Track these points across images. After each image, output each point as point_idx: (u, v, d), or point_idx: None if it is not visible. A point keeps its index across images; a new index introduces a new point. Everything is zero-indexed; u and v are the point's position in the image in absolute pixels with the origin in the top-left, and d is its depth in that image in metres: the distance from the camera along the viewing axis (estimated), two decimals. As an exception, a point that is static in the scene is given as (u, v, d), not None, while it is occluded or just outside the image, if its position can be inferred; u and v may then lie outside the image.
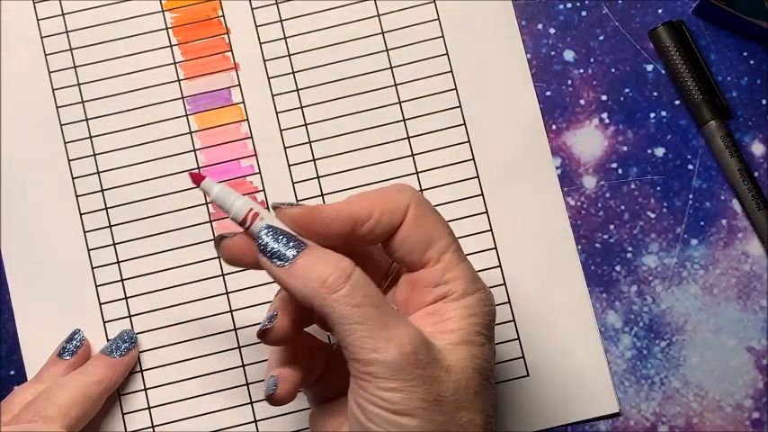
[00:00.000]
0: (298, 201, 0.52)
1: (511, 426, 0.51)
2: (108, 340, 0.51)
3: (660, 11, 0.54)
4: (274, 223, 0.40)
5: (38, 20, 0.54)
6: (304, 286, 0.38)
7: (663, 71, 0.53)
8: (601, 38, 0.54)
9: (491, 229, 0.52)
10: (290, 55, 0.54)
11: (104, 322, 0.52)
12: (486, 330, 0.41)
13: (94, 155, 0.53)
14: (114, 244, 0.52)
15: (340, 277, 0.38)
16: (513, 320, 0.52)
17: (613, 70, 0.53)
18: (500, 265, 0.52)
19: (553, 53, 0.54)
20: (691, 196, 0.53)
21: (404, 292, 0.42)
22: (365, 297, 0.38)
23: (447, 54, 0.54)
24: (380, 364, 0.37)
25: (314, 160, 0.53)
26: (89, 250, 0.52)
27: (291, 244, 0.39)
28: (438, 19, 0.54)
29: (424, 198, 0.42)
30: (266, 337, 0.41)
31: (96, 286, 0.52)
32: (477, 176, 0.53)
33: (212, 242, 0.52)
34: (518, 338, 0.51)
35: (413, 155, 0.53)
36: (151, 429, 0.51)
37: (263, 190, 0.53)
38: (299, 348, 0.43)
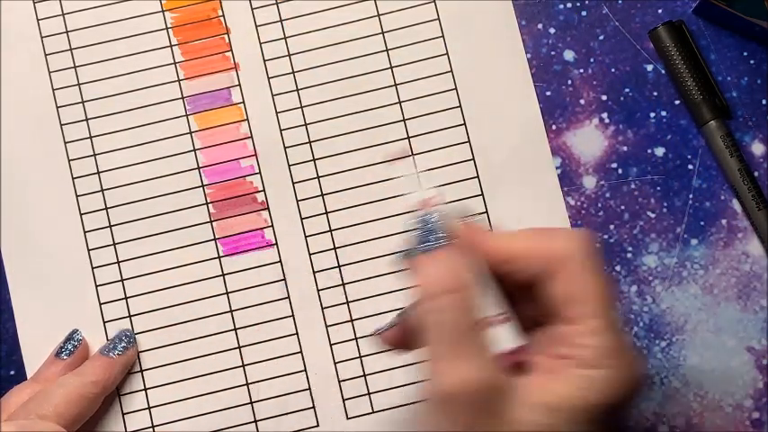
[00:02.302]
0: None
1: (511, 426, 0.51)
2: (108, 340, 0.51)
3: (660, 11, 0.54)
4: (437, 217, 0.39)
5: (38, 20, 0.54)
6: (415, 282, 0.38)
7: (663, 71, 0.53)
8: (601, 38, 0.54)
9: (491, 230, 0.52)
10: (290, 55, 0.54)
11: (104, 322, 0.52)
12: (593, 412, 0.36)
13: (94, 155, 0.53)
14: (114, 244, 0.52)
15: (439, 291, 0.37)
16: (513, 320, 0.52)
17: (613, 70, 0.53)
18: (500, 265, 0.52)
19: (553, 53, 0.54)
20: (691, 196, 0.53)
21: (543, 334, 0.39)
22: (450, 321, 0.36)
23: (447, 54, 0.54)
24: (429, 392, 0.36)
25: (314, 160, 0.53)
26: (89, 250, 0.52)
27: (433, 241, 0.38)
28: (438, 19, 0.54)
29: (588, 255, 0.38)
30: (377, 340, 0.42)
31: (96, 286, 0.52)
32: (477, 176, 0.53)
33: (212, 242, 0.52)
34: (518, 338, 0.52)
35: (413, 155, 0.53)
36: (151, 429, 0.51)
37: (264, 190, 0.53)
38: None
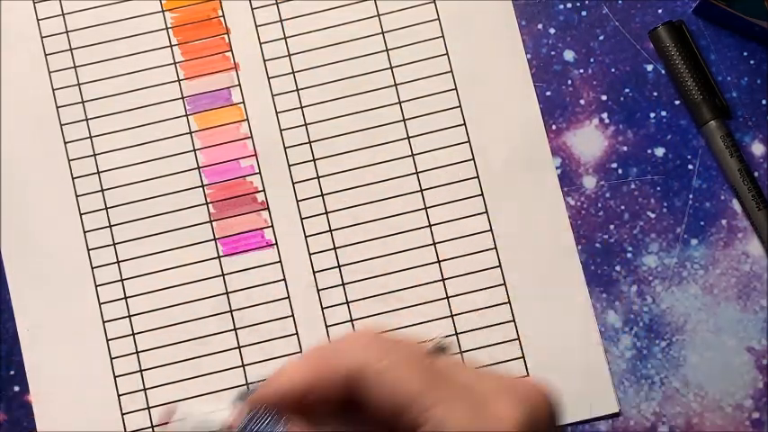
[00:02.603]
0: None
1: (511, 426, 0.51)
2: (108, 340, 0.51)
3: (660, 11, 0.54)
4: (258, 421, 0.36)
5: (38, 20, 0.54)
6: None
7: (663, 71, 0.53)
8: (601, 38, 0.54)
9: (491, 229, 0.52)
10: (290, 55, 0.54)
11: (104, 322, 0.52)
12: None
13: (94, 155, 0.53)
14: (114, 244, 0.52)
15: None
16: (513, 321, 0.52)
17: (613, 70, 0.53)
18: (500, 265, 0.52)
19: (553, 53, 0.54)
20: (691, 196, 0.53)
21: None
22: None
23: (447, 54, 0.54)
24: None
25: (314, 160, 0.53)
26: (89, 250, 0.52)
27: None
28: (438, 19, 0.54)
29: (373, 358, 0.32)
30: None
31: (96, 286, 0.52)
32: (477, 176, 0.53)
33: (212, 242, 0.52)
34: (518, 338, 0.51)
35: (413, 155, 0.53)
36: (151, 429, 0.51)
37: (264, 190, 0.53)
38: None
